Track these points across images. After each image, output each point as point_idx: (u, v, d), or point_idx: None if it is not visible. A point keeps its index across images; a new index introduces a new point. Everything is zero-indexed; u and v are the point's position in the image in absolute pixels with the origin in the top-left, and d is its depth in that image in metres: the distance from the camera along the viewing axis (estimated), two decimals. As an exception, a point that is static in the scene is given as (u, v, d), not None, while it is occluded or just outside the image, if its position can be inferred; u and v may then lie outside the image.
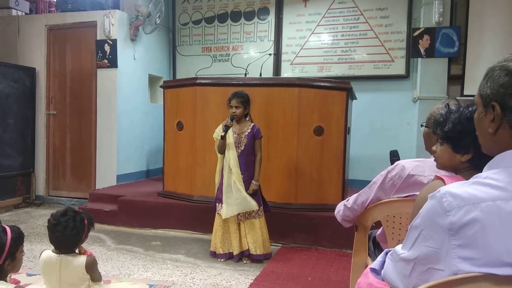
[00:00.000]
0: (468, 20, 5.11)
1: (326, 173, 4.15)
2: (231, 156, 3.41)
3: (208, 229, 3.93)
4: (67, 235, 2.07)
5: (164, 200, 4.53)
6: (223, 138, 3.37)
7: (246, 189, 3.40)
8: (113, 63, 5.44)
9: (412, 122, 5.40)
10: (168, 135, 4.70)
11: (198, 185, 4.36)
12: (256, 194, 3.46)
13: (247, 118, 3.57)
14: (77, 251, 2.19)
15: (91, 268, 2.15)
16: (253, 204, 3.37)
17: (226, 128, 3.35)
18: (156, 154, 6.16)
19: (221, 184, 3.48)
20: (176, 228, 4.36)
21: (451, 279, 0.88)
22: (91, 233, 2.25)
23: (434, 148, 1.44)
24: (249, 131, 3.45)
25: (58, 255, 2.14)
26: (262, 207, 3.51)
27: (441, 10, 5.11)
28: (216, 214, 3.53)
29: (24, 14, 5.99)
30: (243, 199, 3.36)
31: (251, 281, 3.08)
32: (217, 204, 3.52)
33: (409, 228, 1.01)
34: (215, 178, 3.63)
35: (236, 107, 3.40)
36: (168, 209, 4.41)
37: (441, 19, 5.12)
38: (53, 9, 6.10)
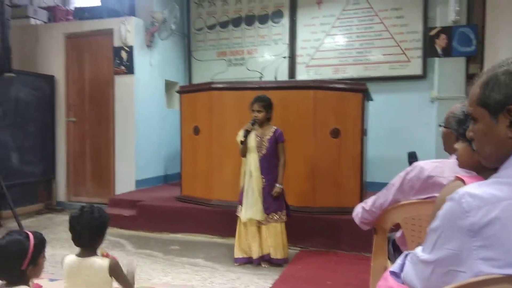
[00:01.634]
0: (485, 18, 5.03)
1: (344, 175, 4.16)
2: (252, 160, 3.43)
3: (226, 232, 3.96)
4: (89, 227, 2.08)
5: (182, 205, 4.58)
6: (243, 142, 3.39)
7: (269, 191, 3.42)
8: (130, 70, 5.51)
9: (430, 123, 5.34)
10: (185, 140, 4.75)
11: (216, 189, 4.40)
12: (279, 198, 3.46)
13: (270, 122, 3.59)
14: (99, 253, 2.19)
15: (115, 271, 2.14)
16: (259, 215, 3.37)
17: (246, 133, 3.37)
18: (173, 159, 6.17)
19: (242, 187, 3.52)
20: (194, 232, 4.40)
21: (473, 281, 0.87)
22: (111, 238, 2.27)
23: (456, 145, 1.43)
24: (271, 135, 3.46)
25: (80, 258, 2.15)
26: (285, 211, 3.50)
27: (457, 8, 5.04)
28: (238, 217, 3.55)
29: (42, 23, 6.10)
30: (255, 206, 3.37)
31: (270, 285, 3.08)
32: (239, 206, 3.54)
33: (428, 231, 1.00)
34: (239, 180, 3.66)
35: (258, 111, 3.41)
36: (186, 214, 4.46)
37: (457, 17, 5.06)
38: (70, 17, 6.20)
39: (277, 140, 3.46)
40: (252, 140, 3.43)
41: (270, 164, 3.46)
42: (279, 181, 3.45)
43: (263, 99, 3.43)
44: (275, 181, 3.45)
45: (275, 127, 3.51)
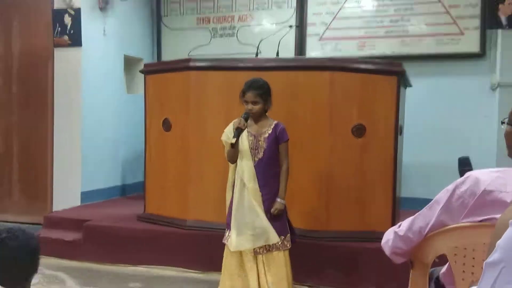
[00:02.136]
0: None
1: (370, 188, 4.17)
2: (245, 167, 3.40)
3: (207, 265, 3.97)
4: (12, 259, 2.06)
5: (146, 226, 4.57)
6: (234, 145, 3.34)
7: (267, 209, 3.38)
8: (76, 41, 5.46)
9: (491, 117, 5.37)
10: (151, 137, 4.74)
11: (193, 205, 4.40)
12: (280, 218, 3.44)
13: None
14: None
15: None
16: (272, 236, 3.35)
17: (238, 132, 3.30)
18: (134, 164, 6.20)
19: (231, 204, 3.48)
20: (163, 265, 4.38)
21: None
22: (46, 271, 2.26)
23: None
24: (270, 131, 3.44)
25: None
26: (289, 235, 3.48)
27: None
28: (226, 244, 3.51)
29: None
30: (262, 228, 3.34)
31: None
32: (226, 230, 3.50)
33: (485, 265, 1.01)
34: (226, 195, 3.62)
35: (254, 102, 3.38)
36: (152, 239, 4.44)
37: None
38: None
39: (278, 139, 3.44)
40: (245, 141, 3.40)
41: (268, 172, 3.43)
42: (280, 195, 3.43)
43: (259, 86, 3.40)
44: (275, 195, 3.43)
45: (275, 121, 3.48)
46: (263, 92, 3.40)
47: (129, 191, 6.22)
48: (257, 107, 3.38)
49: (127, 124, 6.16)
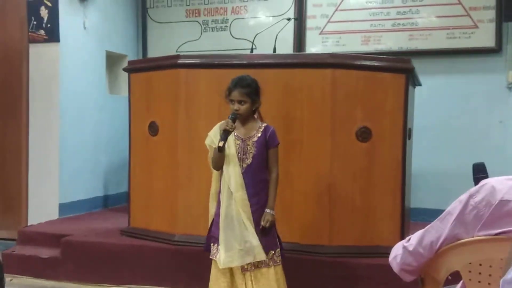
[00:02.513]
0: None
1: (376, 198, 4.16)
2: (232, 174, 3.38)
3: (197, 284, 3.91)
4: None
5: (131, 242, 4.55)
6: (221, 149, 3.32)
7: (256, 223, 3.36)
8: (53, 36, 5.45)
9: (508, 118, 5.39)
10: (136, 143, 4.72)
11: (182, 218, 4.38)
12: (270, 231, 3.42)
13: (256, 116, 3.56)
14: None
15: None
16: (258, 253, 3.32)
17: (226, 134, 3.29)
18: (118, 172, 6.18)
19: (217, 214, 3.44)
20: (150, 284, 4.35)
21: None
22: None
23: None
24: (259, 135, 3.44)
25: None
26: (278, 249, 3.47)
27: None
28: (212, 260, 3.48)
29: None
30: (250, 243, 3.32)
31: None
32: (211, 244, 3.48)
33: (502, 283, 1.04)
34: (209, 205, 3.60)
35: (240, 101, 3.37)
36: (138, 255, 4.42)
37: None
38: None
39: (268, 144, 3.44)
40: (232, 145, 3.39)
41: (258, 180, 3.43)
42: (270, 206, 3.42)
43: (247, 83, 3.41)
44: (265, 205, 3.42)
45: (265, 124, 3.49)
46: (250, 90, 3.39)
47: (112, 203, 6.19)
48: (243, 107, 3.37)
49: (110, 128, 6.15)
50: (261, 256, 3.34)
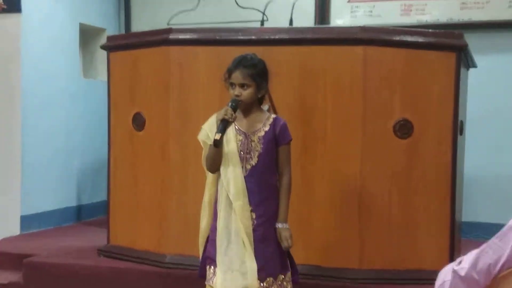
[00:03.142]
0: None
1: (419, 209, 3.98)
2: (232, 178, 3.24)
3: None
4: None
5: (111, 264, 4.41)
6: (218, 144, 3.14)
7: (262, 237, 3.24)
8: (13, 4, 5.34)
9: None
10: (116, 140, 4.61)
11: (174, 234, 4.24)
12: (280, 249, 3.30)
13: (267, 108, 3.54)
14: None
15: None
16: (251, 277, 3.21)
17: (224, 125, 3.12)
18: (94, 177, 6.20)
19: (213, 230, 3.29)
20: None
21: None
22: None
23: None
24: (266, 129, 3.28)
25: None
26: (289, 273, 3.34)
27: None
28: (207, 286, 3.34)
29: None
30: (246, 266, 3.22)
31: None
32: (207, 267, 3.32)
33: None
34: (200, 217, 3.44)
35: (243, 85, 3.20)
36: (119, 280, 4.29)
37: None
38: None
39: (278, 140, 3.28)
40: (232, 141, 3.25)
41: (264, 186, 3.28)
42: (281, 218, 3.26)
43: (251, 63, 3.25)
44: (274, 217, 3.25)
45: (274, 115, 3.38)
46: (255, 72, 3.24)
47: (87, 215, 6.14)
48: (246, 93, 3.23)
49: (84, 121, 6.07)
50: (253, 284, 3.24)
